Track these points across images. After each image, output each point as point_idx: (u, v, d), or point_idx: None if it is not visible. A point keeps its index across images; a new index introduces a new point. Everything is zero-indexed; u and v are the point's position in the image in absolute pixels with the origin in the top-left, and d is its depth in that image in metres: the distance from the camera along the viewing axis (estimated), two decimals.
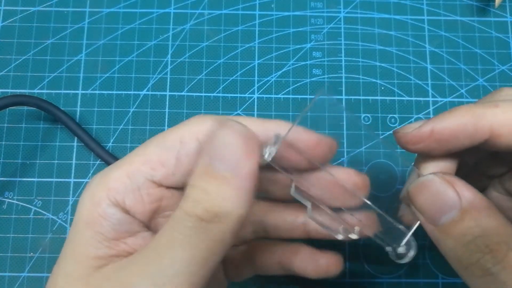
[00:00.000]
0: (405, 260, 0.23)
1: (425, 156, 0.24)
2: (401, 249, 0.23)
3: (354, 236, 0.23)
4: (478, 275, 0.20)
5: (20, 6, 0.38)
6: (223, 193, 0.19)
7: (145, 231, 0.23)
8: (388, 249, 0.23)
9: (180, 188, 0.23)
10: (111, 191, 0.22)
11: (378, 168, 0.32)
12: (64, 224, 0.34)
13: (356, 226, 0.23)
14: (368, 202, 0.23)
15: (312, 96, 0.37)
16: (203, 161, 0.20)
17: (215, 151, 0.20)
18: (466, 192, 0.21)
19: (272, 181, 0.25)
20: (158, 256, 0.19)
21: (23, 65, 0.37)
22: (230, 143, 0.19)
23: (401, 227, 0.23)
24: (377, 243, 0.24)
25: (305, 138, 0.22)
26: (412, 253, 0.23)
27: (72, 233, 0.22)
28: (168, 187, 0.23)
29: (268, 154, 0.21)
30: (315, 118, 0.23)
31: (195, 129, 0.22)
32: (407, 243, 0.23)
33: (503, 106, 0.22)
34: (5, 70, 0.37)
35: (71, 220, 0.34)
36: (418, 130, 0.23)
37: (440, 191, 0.21)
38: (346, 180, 0.24)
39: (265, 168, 0.22)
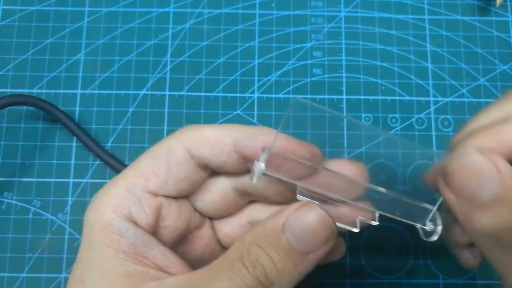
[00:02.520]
0: (434, 237, 0.23)
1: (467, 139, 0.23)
2: (428, 227, 0.23)
3: (374, 222, 0.23)
4: None
5: (19, 5, 0.38)
6: (286, 268, 0.20)
7: (161, 245, 0.23)
8: (418, 227, 0.23)
9: (175, 196, 0.24)
10: (116, 208, 0.22)
11: (378, 168, 0.32)
12: (63, 224, 0.34)
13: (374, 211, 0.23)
14: (381, 188, 0.23)
15: (312, 96, 0.37)
16: (275, 227, 0.21)
17: (298, 230, 0.21)
18: (503, 167, 0.20)
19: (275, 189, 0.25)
20: None
21: (22, 65, 0.37)
22: (315, 231, 0.21)
23: (424, 205, 0.23)
24: (403, 223, 0.23)
25: (288, 147, 0.23)
26: (439, 228, 0.23)
27: (89, 254, 0.22)
28: (164, 196, 0.24)
29: (260, 167, 0.22)
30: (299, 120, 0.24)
31: (182, 138, 0.23)
32: (433, 219, 0.23)
33: None
34: (4, 70, 0.37)
35: (70, 220, 0.34)
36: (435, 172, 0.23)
37: (481, 165, 0.20)
38: (344, 171, 0.24)
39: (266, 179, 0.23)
